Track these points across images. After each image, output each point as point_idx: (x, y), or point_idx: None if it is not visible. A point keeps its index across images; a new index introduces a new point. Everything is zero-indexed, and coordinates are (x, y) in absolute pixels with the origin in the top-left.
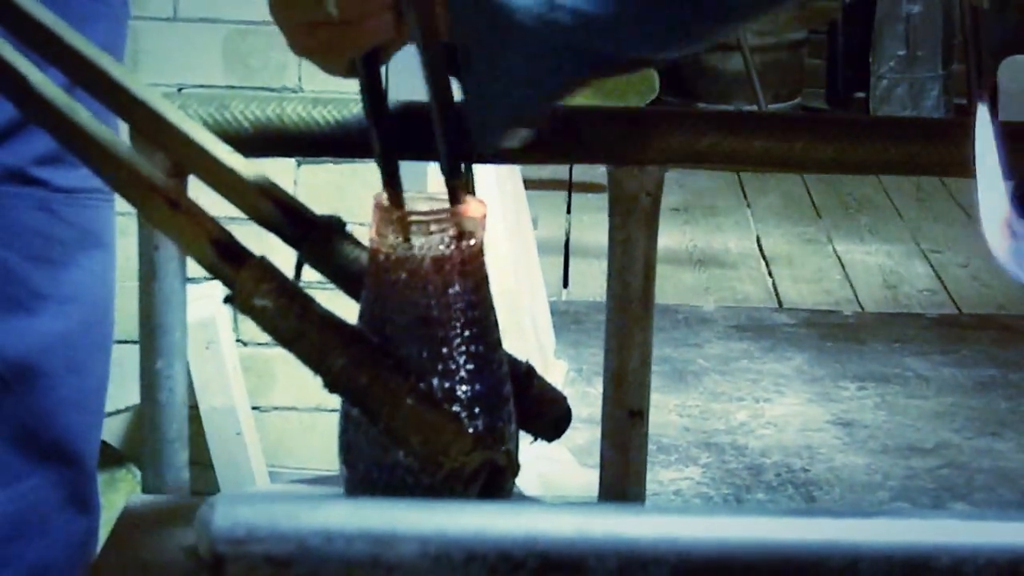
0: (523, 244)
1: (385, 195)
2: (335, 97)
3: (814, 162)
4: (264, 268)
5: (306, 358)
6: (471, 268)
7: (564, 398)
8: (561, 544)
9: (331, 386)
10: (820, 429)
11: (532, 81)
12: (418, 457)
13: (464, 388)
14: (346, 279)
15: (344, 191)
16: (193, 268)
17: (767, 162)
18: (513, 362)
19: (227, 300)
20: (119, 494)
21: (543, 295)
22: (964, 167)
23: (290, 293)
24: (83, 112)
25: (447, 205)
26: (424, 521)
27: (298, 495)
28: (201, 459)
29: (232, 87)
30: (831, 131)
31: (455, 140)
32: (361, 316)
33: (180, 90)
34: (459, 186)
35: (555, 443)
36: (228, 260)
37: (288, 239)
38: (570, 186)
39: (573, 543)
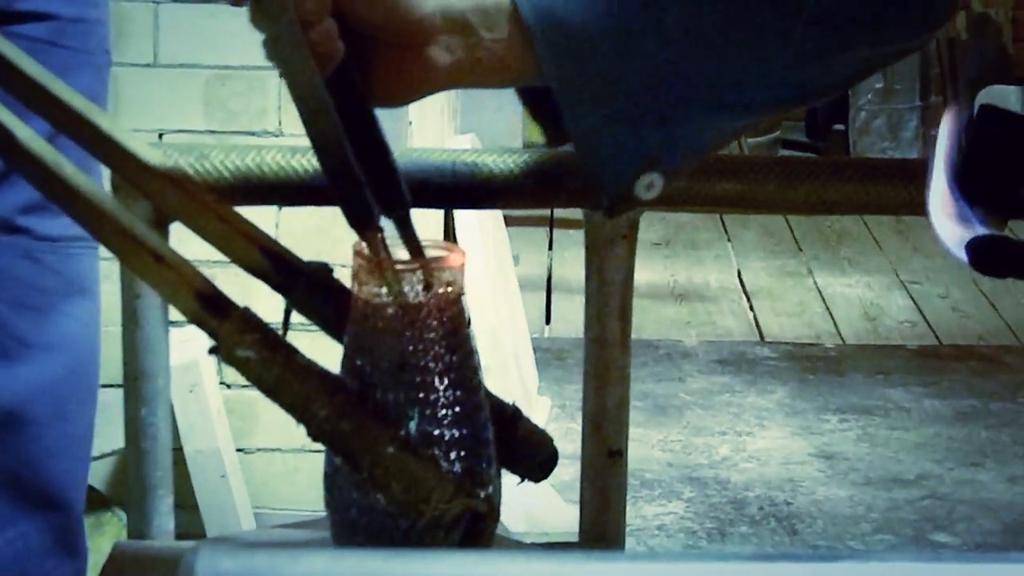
0: (504, 281)
1: (365, 243)
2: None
3: (785, 204)
4: (247, 319)
5: (289, 408)
6: (451, 314)
7: (550, 439)
8: None
9: (314, 435)
10: (802, 462)
11: (662, 120)
12: (400, 504)
13: (444, 433)
14: (333, 324)
15: (326, 234)
16: (176, 312)
17: (739, 204)
18: (499, 405)
19: (212, 351)
20: (105, 537)
21: (525, 332)
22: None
23: (273, 344)
24: (68, 165)
25: (429, 253)
26: (402, 571)
27: (282, 541)
28: (186, 502)
29: (212, 132)
30: (802, 174)
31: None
32: (344, 361)
33: (161, 136)
34: (378, 241)
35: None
36: (212, 311)
37: (275, 286)
38: (551, 222)
39: None
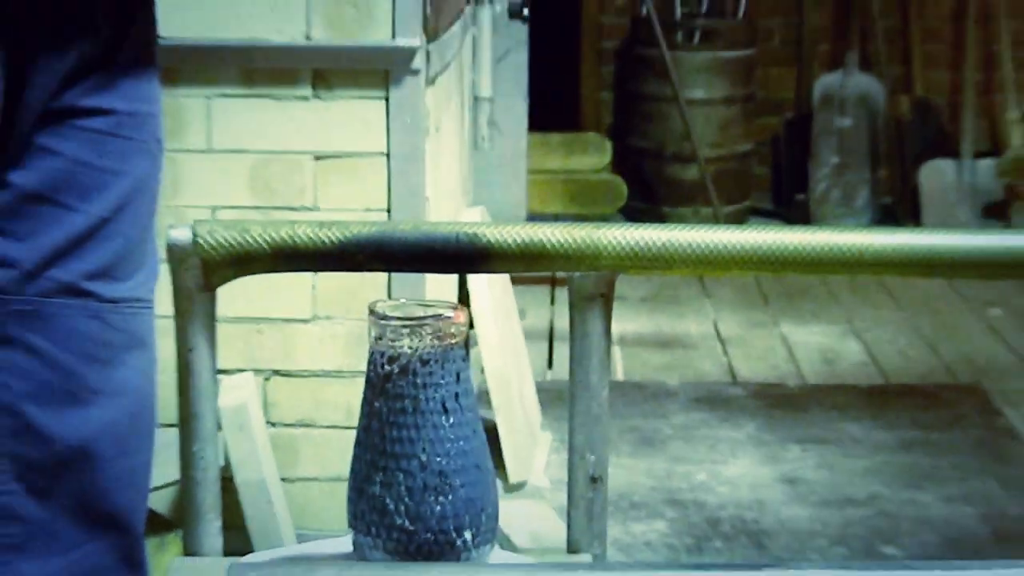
0: (511, 332)
1: (379, 303)
2: (338, 220)
3: (739, 266)
4: None
5: None
6: (453, 364)
7: None
8: None
9: None
10: (768, 486)
11: None
12: None
13: (450, 462)
14: None
15: (354, 294)
16: (226, 361)
17: (702, 266)
18: None
19: None
20: (168, 555)
21: (530, 376)
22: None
23: None
24: None
25: (437, 312)
26: None
27: (308, 557)
28: (237, 524)
29: (258, 207)
30: (749, 242)
31: None
32: (363, 405)
33: (214, 211)
34: None
35: (541, 503)
36: None
37: None
38: (553, 281)
39: None
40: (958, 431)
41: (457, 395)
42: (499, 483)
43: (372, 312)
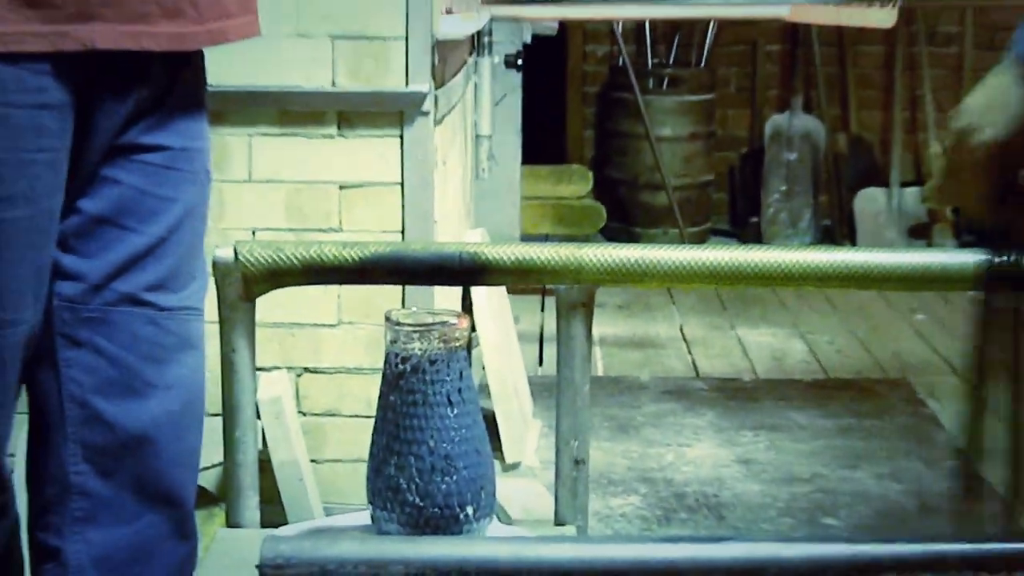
0: (508, 335)
1: (394, 311)
2: (359, 241)
3: (701, 279)
4: None
5: None
6: (457, 363)
7: None
8: (501, 564)
9: None
10: (727, 466)
11: None
12: None
13: (454, 447)
14: None
15: (371, 302)
16: (263, 360)
17: (670, 280)
18: None
19: None
20: (215, 525)
21: (523, 372)
22: (813, 280)
23: None
24: None
25: (443, 319)
26: (407, 551)
27: (333, 528)
28: (273, 499)
29: (292, 229)
30: (710, 259)
31: None
32: (380, 398)
33: (254, 233)
34: None
35: (533, 480)
36: None
37: None
38: (543, 292)
39: (510, 564)
40: (888, 419)
41: (460, 390)
42: (496, 464)
43: (388, 319)
